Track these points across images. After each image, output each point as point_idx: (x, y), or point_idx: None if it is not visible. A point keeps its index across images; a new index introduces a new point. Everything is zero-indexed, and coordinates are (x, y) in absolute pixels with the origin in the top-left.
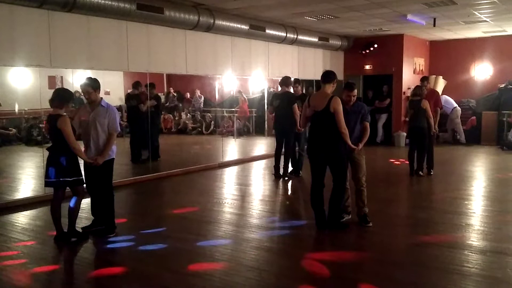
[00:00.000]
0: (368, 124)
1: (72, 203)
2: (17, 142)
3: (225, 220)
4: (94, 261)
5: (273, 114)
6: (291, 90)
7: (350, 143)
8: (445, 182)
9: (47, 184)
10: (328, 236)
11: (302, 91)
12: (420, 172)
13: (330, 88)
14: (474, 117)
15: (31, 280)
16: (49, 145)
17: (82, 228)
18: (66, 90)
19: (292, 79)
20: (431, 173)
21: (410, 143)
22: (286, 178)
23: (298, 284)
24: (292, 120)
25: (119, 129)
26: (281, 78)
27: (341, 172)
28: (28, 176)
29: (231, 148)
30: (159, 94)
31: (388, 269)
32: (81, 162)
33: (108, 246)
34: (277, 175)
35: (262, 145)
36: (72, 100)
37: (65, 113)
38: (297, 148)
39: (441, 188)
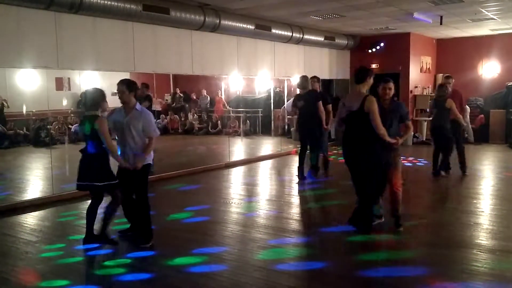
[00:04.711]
0: (410, 123)
1: (106, 207)
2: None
3: (232, 220)
4: (98, 261)
5: (297, 116)
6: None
7: (389, 139)
8: (453, 181)
9: (78, 187)
10: (335, 236)
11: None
12: (442, 172)
13: (364, 87)
14: (482, 115)
15: (40, 281)
16: (57, 145)
17: (118, 232)
18: (97, 89)
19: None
20: (466, 173)
21: (434, 143)
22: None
23: (307, 284)
24: (318, 118)
25: (158, 132)
26: (298, 79)
27: (372, 176)
28: (36, 177)
29: (238, 148)
30: (166, 94)
31: (396, 268)
32: (115, 165)
33: (114, 246)
34: (301, 177)
35: (269, 145)
36: (105, 99)
37: (101, 114)
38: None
39: (449, 187)
